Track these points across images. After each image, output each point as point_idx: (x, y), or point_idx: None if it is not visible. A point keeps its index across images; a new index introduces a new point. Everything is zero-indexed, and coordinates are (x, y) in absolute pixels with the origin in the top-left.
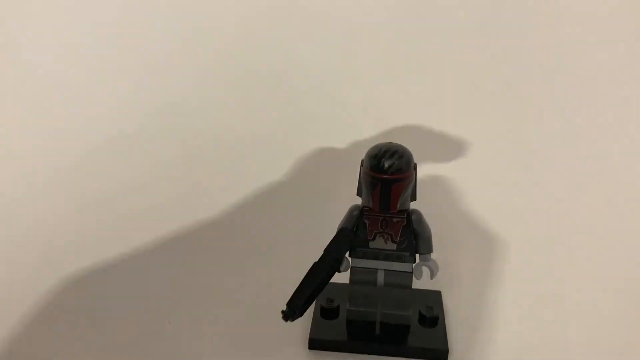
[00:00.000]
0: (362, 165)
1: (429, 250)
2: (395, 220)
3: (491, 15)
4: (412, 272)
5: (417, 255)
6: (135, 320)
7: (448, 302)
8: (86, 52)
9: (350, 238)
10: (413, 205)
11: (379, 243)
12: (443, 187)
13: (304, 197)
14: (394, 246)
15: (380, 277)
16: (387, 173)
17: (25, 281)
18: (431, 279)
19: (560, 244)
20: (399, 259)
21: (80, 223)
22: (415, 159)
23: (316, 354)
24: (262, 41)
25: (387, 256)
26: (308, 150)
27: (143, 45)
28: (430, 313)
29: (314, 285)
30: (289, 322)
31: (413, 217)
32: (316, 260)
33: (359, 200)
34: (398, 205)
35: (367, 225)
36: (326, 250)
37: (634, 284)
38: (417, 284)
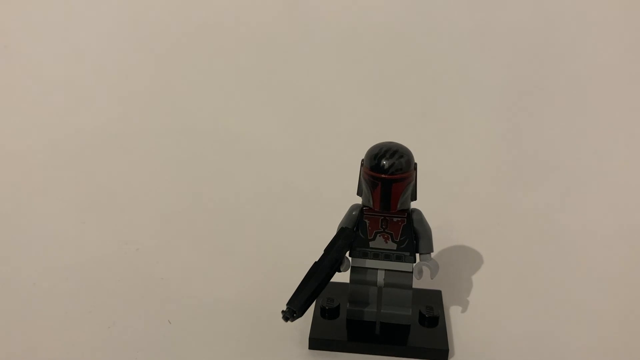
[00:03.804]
0: (362, 165)
1: (430, 250)
2: (395, 219)
3: (489, 19)
4: (412, 272)
5: (417, 255)
6: (135, 320)
7: (448, 302)
8: (86, 50)
9: (350, 238)
10: (413, 204)
11: (379, 243)
12: (443, 187)
13: (304, 197)
14: (394, 246)
15: (381, 277)
16: (387, 173)
17: (24, 279)
18: (431, 279)
19: (561, 243)
20: (399, 258)
21: (79, 221)
22: (416, 158)
23: (316, 354)
24: (263, 41)
25: (387, 256)
26: (308, 150)
27: (144, 44)
28: (430, 313)
29: (314, 285)
30: (289, 322)
31: (413, 216)
32: (316, 260)
33: (359, 200)
34: (398, 205)
35: (368, 224)
36: (326, 250)
37: (634, 284)
38: (417, 284)
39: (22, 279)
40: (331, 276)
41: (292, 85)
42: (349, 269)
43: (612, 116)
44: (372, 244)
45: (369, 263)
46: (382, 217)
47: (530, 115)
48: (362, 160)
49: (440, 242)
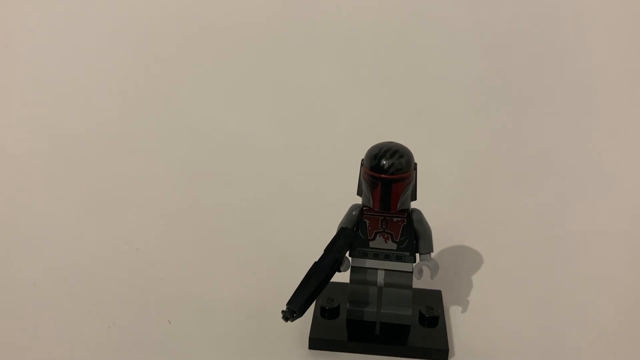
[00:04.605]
0: (362, 165)
1: (429, 250)
2: (395, 219)
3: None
4: (412, 272)
5: (417, 255)
6: (135, 320)
7: (448, 302)
8: (86, 51)
9: (350, 238)
10: (413, 204)
11: (379, 243)
12: (443, 187)
13: (304, 197)
14: (394, 246)
15: (380, 277)
16: (387, 173)
17: (24, 279)
18: (431, 279)
19: (561, 244)
20: (399, 258)
21: (79, 221)
22: (416, 158)
23: (316, 354)
24: (263, 42)
25: (387, 256)
26: (308, 150)
27: (144, 45)
28: (430, 313)
29: (314, 285)
30: (289, 322)
31: (413, 216)
32: (316, 260)
33: (359, 200)
34: (398, 205)
35: (368, 224)
36: (326, 249)
37: (633, 284)
38: (417, 284)
39: (22, 279)
40: (331, 276)
41: (292, 85)
42: (349, 269)
43: (613, 117)
44: (372, 244)
45: (369, 263)
46: (382, 217)
47: (531, 116)
48: (362, 160)
49: (440, 242)
